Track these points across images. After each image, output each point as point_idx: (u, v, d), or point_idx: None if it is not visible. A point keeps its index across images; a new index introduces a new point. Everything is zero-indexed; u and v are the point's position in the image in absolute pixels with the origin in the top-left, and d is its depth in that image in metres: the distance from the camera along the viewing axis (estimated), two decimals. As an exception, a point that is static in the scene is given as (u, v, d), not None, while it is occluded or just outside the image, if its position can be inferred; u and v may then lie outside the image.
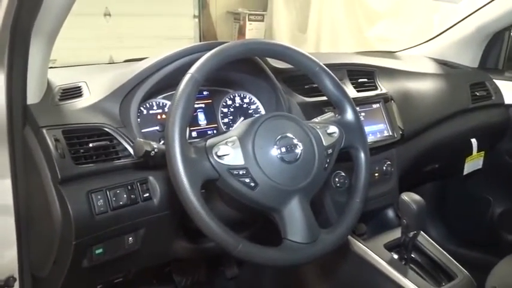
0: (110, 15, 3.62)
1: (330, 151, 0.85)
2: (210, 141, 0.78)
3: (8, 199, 0.90)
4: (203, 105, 1.09)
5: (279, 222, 0.79)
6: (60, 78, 0.97)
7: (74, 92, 0.94)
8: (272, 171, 0.77)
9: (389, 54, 1.72)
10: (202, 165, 0.74)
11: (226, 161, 0.76)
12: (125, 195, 0.85)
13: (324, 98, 1.11)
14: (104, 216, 0.83)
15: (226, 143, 0.77)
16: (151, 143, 0.78)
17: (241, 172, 0.75)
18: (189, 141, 1.02)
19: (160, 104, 1.02)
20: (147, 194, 0.88)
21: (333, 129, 0.87)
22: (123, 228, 0.87)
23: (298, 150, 0.80)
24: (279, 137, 0.79)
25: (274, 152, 0.78)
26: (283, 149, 0.79)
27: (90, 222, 0.82)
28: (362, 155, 0.90)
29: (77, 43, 2.97)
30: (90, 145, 0.85)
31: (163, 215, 0.91)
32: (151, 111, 1.01)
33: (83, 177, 0.82)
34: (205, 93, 1.10)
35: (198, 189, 0.71)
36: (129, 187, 0.86)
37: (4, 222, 0.91)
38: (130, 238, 0.89)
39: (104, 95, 0.93)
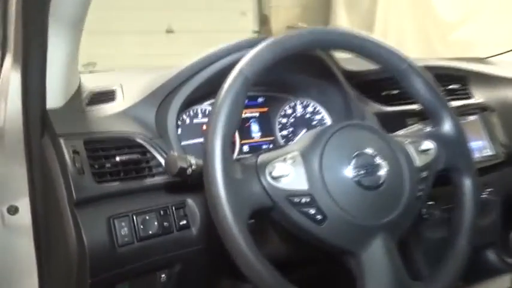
0: (172, 31, 3.65)
1: (424, 174, 0.66)
2: (262, 157, 0.61)
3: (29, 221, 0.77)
4: (257, 114, 0.92)
5: (356, 270, 0.60)
6: (95, 82, 0.85)
7: (105, 96, 0.81)
8: (346, 200, 0.59)
9: (479, 60, 1.47)
10: (251, 189, 0.58)
11: (283, 184, 0.58)
12: (155, 223, 0.69)
13: (407, 107, 0.92)
14: (129, 248, 0.67)
15: (284, 160, 0.59)
16: (188, 157, 0.63)
17: (303, 200, 0.58)
18: (239, 156, 0.86)
19: (206, 112, 0.87)
20: (185, 222, 0.72)
21: (427, 144, 0.68)
22: (154, 263, 0.71)
23: (382, 172, 0.61)
24: (356, 153, 0.61)
25: (349, 173, 0.60)
26: (362, 170, 0.60)
27: (111, 255, 0.66)
28: (468, 180, 0.69)
29: (138, 60, 2.99)
30: (118, 159, 0.70)
31: (203, 248, 0.74)
32: (195, 120, 0.86)
33: (104, 198, 0.68)
34: (260, 99, 0.93)
35: (244, 222, 0.55)
36: (162, 212, 0.70)
37: (24, 246, 0.79)
38: (163, 275, 0.73)
39: (138, 100, 0.79)
